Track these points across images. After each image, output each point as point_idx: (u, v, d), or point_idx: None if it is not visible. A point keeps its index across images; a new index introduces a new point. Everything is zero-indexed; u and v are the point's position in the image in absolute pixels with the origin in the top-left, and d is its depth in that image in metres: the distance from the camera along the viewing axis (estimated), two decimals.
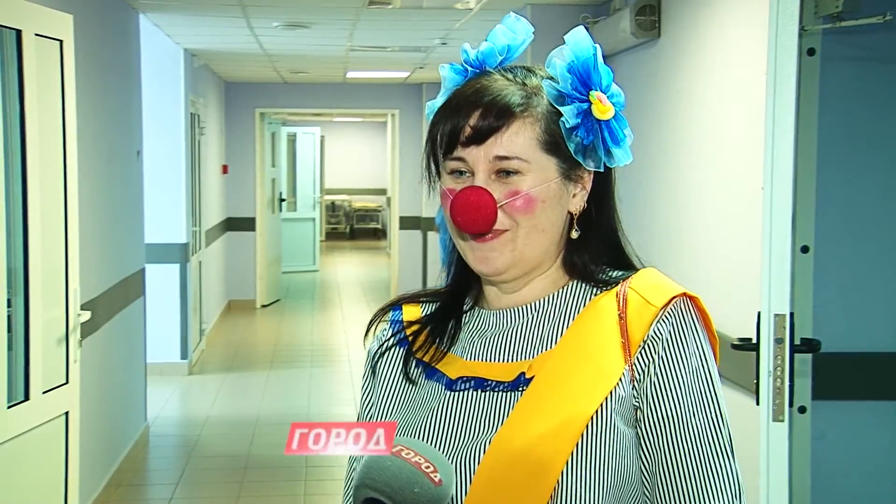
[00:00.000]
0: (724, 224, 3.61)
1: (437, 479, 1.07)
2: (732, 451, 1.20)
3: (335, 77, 10.76)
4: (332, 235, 20.13)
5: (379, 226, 20.22)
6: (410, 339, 1.34)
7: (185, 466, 5.75)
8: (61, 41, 3.58)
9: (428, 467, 1.07)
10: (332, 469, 5.58)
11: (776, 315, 2.68)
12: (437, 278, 1.41)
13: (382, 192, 19.38)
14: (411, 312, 1.37)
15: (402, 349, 1.34)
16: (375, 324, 1.38)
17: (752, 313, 2.75)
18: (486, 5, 5.76)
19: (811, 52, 3.25)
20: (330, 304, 12.08)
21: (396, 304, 1.39)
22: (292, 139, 14.97)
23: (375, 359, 1.37)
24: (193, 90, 8.40)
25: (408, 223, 11.77)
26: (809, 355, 3.15)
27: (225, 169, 11.05)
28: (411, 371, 1.32)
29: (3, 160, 3.17)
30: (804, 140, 3.25)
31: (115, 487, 5.28)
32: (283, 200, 13.16)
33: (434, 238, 11.26)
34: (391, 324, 1.37)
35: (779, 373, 2.67)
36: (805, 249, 3.27)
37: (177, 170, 7.74)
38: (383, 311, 1.39)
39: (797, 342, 2.86)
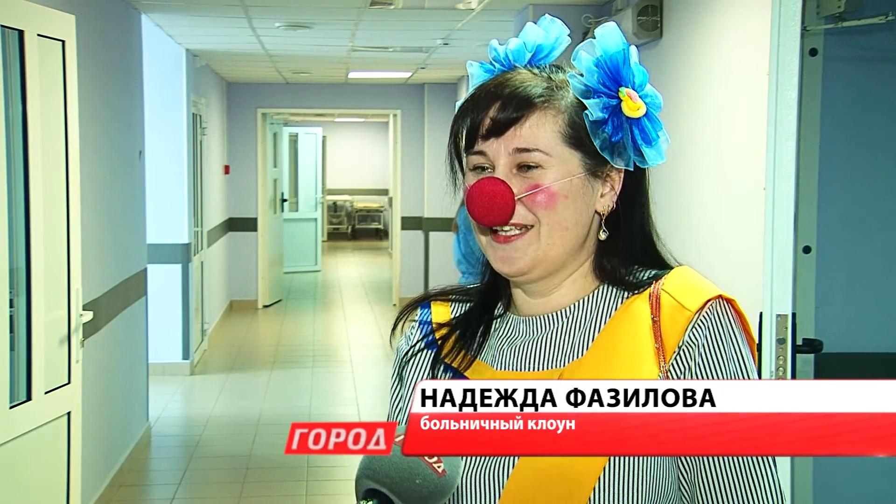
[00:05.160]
0: (726, 224, 3.61)
1: (440, 470, 1.05)
2: (774, 460, 1.17)
3: (337, 77, 10.76)
4: (334, 236, 20.14)
5: (381, 226, 20.23)
6: (440, 342, 1.30)
7: (187, 467, 5.75)
8: (63, 42, 3.58)
9: (431, 458, 1.05)
10: (334, 469, 5.58)
11: (778, 315, 2.68)
12: (442, 279, 1.40)
13: (384, 192, 19.39)
14: (440, 313, 1.33)
15: (430, 352, 1.31)
16: (403, 321, 1.35)
17: (754, 314, 2.75)
18: (487, 5, 5.76)
19: (813, 52, 3.25)
20: (332, 304, 12.08)
21: (425, 302, 1.35)
22: (294, 139, 14.98)
23: (404, 362, 1.33)
24: (195, 90, 8.41)
25: (410, 223, 11.77)
26: (812, 356, 3.15)
27: (227, 169, 11.06)
28: (439, 376, 1.28)
29: (6, 160, 3.17)
30: (806, 140, 3.25)
31: (116, 487, 5.28)
32: (285, 201, 13.17)
33: (436, 238, 11.25)
34: (420, 324, 1.33)
35: (781, 373, 2.67)
36: (807, 250, 3.27)
37: (179, 170, 7.74)
38: (411, 307, 1.35)
39: (799, 342, 2.86)
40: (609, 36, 1.22)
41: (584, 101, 1.20)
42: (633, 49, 1.23)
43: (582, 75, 1.22)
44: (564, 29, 1.29)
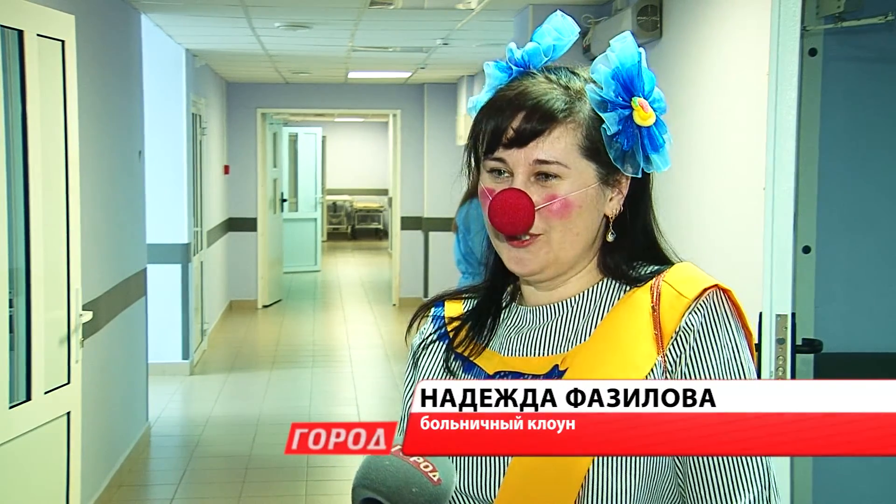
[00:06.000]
0: (726, 224, 3.61)
1: (435, 479, 1.07)
2: None
3: (337, 77, 10.76)
4: (334, 236, 20.14)
5: (380, 226, 20.23)
6: (451, 334, 1.36)
7: (187, 467, 5.75)
8: (63, 41, 3.58)
9: (427, 466, 1.07)
10: (334, 469, 5.58)
11: (778, 315, 2.68)
12: (442, 279, 1.43)
13: (384, 192, 19.38)
14: (453, 308, 1.40)
15: (443, 344, 1.37)
16: (418, 319, 1.41)
17: (754, 314, 2.75)
18: (487, 5, 5.76)
19: (813, 52, 3.25)
20: (331, 304, 12.08)
21: (439, 301, 1.42)
22: (294, 139, 14.97)
23: (418, 353, 1.39)
24: (195, 90, 8.41)
25: (409, 223, 11.76)
26: (811, 356, 3.15)
27: (226, 169, 11.05)
28: (451, 365, 1.34)
29: (6, 160, 3.17)
30: (806, 140, 3.25)
31: (116, 487, 5.28)
32: (285, 201, 13.16)
33: (436, 238, 11.25)
34: (433, 319, 1.40)
35: (780, 373, 2.67)
36: (807, 250, 3.27)
37: (178, 170, 7.74)
38: (426, 307, 1.42)
39: (799, 342, 2.86)
40: (626, 48, 1.26)
41: (602, 113, 1.24)
42: (643, 55, 1.28)
43: (597, 85, 1.26)
44: (575, 27, 1.34)
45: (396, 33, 7.22)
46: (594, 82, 1.27)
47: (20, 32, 3.29)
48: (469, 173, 1.33)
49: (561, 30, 1.32)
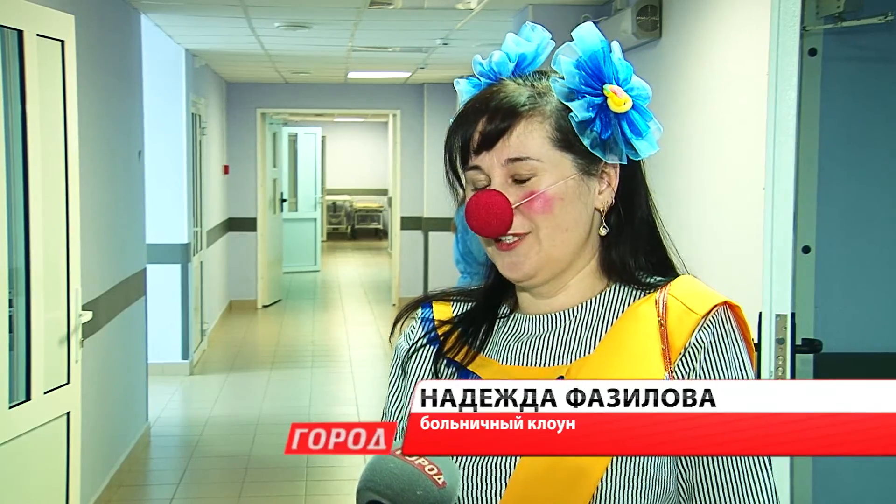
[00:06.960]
0: (726, 224, 3.61)
1: (440, 482, 1.06)
2: (770, 463, 1.19)
3: (336, 77, 10.76)
4: (334, 236, 20.14)
5: (380, 226, 20.23)
6: (442, 338, 1.32)
7: (187, 467, 5.75)
8: (63, 41, 3.58)
9: (431, 469, 1.07)
10: (333, 469, 5.58)
11: (777, 315, 2.68)
12: (441, 279, 1.41)
13: (384, 192, 19.39)
14: (442, 311, 1.35)
15: (432, 348, 1.32)
16: (402, 320, 1.36)
17: (754, 314, 2.75)
18: (487, 5, 5.76)
19: (813, 52, 3.25)
20: (331, 304, 12.08)
21: (426, 302, 1.37)
22: (293, 139, 14.98)
23: (406, 357, 1.34)
24: (195, 90, 8.40)
25: (409, 223, 11.76)
26: (811, 356, 3.15)
27: (226, 169, 11.05)
28: (441, 371, 1.30)
29: (5, 160, 3.17)
30: (805, 140, 3.25)
31: (116, 487, 5.28)
32: (285, 201, 13.17)
33: (435, 238, 11.25)
34: (422, 321, 1.35)
35: (780, 373, 2.67)
36: (806, 250, 3.27)
37: (178, 170, 7.74)
38: (412, 307, 1.37)
39: (799, 342, 2.86)
40: (587, 36, 1.23)
41: (568, 103, 1.21)
42: (615, 45, 1.24)
43: (563, 79, 1.23)
44: (546, 35, 1.31)
45: (396, 33, 7.22)
46: (562, 78, 1.23)
47: (20, 32, 3.29)
48: (455, 191, 1.29)
49: (529, 38, 1.29)
